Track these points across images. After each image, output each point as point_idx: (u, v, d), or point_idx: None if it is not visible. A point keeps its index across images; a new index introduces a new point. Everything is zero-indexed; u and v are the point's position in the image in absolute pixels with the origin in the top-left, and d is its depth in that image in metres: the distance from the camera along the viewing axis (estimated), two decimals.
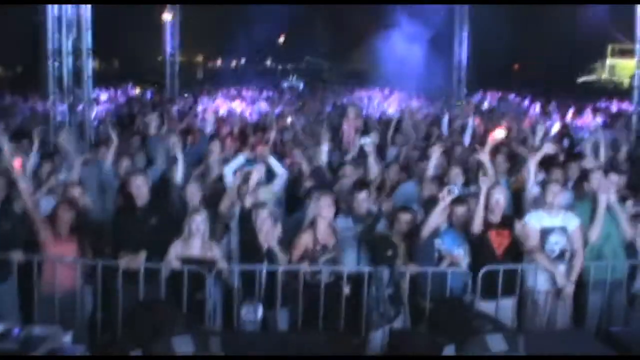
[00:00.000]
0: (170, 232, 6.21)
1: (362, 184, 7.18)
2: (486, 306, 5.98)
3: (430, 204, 6.55)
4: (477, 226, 6.26)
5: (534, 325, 6.26)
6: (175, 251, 6.08)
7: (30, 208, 6.17)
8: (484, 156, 7.39)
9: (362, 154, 8.51)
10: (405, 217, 6.51)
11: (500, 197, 6.35)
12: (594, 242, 6.38)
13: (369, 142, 8.44)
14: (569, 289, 6.25)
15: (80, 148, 8.65)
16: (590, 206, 6.51)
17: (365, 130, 10.41)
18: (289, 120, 11.93)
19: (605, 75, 31.76)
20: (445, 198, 6.22)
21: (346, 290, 6.09)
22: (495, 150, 8.17)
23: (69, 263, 6.10)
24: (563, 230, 6.31)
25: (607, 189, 6.49)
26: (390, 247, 6.09)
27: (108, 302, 6.08)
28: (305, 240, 6.23)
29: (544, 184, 6.70)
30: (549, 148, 7.73)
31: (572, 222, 6.35)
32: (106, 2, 13.40)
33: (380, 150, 9.36)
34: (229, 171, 7.14)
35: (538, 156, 7.34)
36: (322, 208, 6.25)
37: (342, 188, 7.42)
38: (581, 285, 6.37)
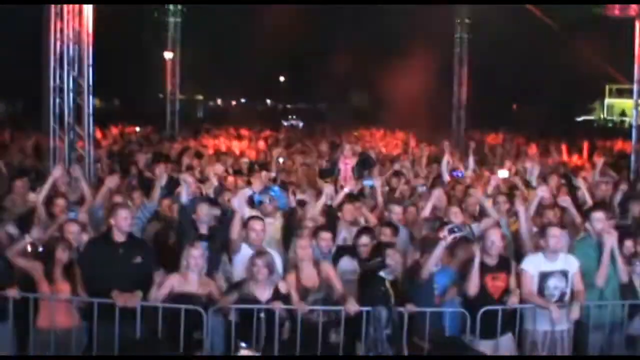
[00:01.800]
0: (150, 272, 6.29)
1: (366, 227, 7.21)
2: (485, 345, 5.99)
3: (428, 243, 6.53)
4: (472, 288, 6.12)
5: None
6: (171, 286, 6.04)
7: (14, 257, 6.08)
8: (482, 197, 7.49)
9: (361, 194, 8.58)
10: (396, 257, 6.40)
11: (496, 239, 6.24)
12: (600, 286, 6.37)
13: (371, 184, 8.50)
14: (568, 330, 6.24)
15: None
16: (592, 246, 6.53)
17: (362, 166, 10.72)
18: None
19: (603, 115, 32.12)
20: (447, 238, 6.19)
21: (333, 337, 6.06)
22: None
23: (65, 301, 6.12)
24: (563, 274, 6.28)
25: (611, 231, 6.48)
26: (383, 285, 6.13)
27: (104, 341, 6.03)
28: (288, 283, 6.21)
29: (542, 228, 6.65)
30: (542, 192, 7.70)
31: (573, 265, 6.32)
32: (109, 2, 13.56)
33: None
34: (236, 202, 7.06)
35: (534, 204, 7.38)
36: (300, 249, 6.27)
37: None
38: (580, 325, 6.36)
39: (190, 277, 6.10)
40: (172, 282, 6.08)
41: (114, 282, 6.06)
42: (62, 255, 6.14)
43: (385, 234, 7.09)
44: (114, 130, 18.76)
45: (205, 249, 6.45)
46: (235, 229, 6.70)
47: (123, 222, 6.37)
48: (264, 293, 6.05)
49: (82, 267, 6.25)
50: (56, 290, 6.09)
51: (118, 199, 7.69)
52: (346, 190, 8.49)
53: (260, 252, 6.21)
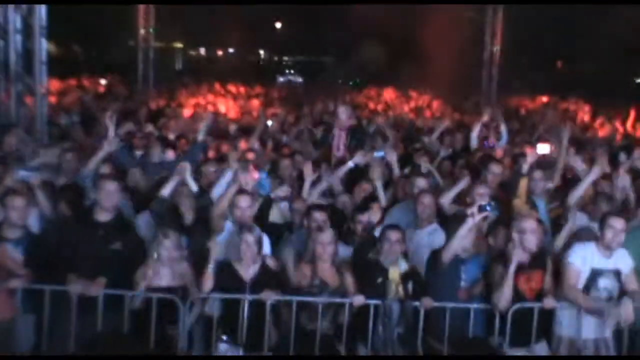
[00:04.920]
0: (138, 259, 6.25)
1: (365, 205, 7.24)
2: (517, 353, 6.04)
3: (453, 222, 6.59)
4: (503, 302, 6.10)
5: None
6: (143, 279, 6.13)
7: None
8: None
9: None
10: (395, 236, 6.44)
11: (530, 229, 6.22)
12: None
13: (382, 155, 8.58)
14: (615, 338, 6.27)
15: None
16: None
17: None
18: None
19: None
20: (475, 215, 6.21)
21: (341, 349, 6.11)
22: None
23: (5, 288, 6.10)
24: (616, 273, 6.28)
25: None
26: (379, 273, 6.15)
27: (56, 335, 6.05)
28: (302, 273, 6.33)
29: (603, 216, 6.53)
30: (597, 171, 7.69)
31: (627, 264, 6.31)
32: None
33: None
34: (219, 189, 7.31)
35: (589, 180, 7.41)
36: (320, 245, 6.31)
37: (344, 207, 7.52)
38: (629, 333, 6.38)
39: (161, 270, 6.19)
40: (144, 277, 6.15)
41: (81, 270, 6.09)
42: None
43: None
44: (73, 83, 18.61)
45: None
46: (222, 205, 6.78)
47: (108, 198, 6.38)
48: (248, 270, 6.22)
49: (45, 249, 6.25)
50: None
51: (106, 169, 7.65)
52: (350, 164, 8.49)
53: (249, 227, 6.35)
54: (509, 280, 6.02)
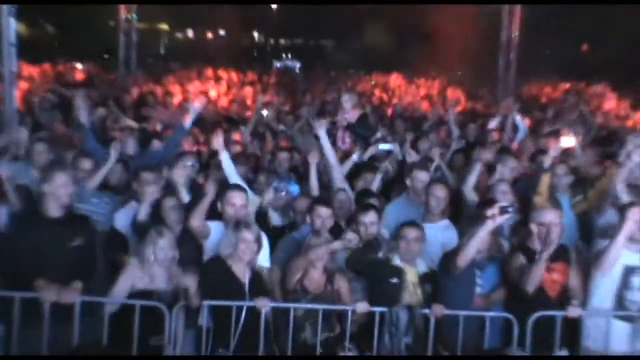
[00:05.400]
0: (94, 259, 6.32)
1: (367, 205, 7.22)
2: None
3: (470, 222, 6.56)
4: (532, 284, 6.14)
5: None
6: (131, 282, 6.10)
7: None
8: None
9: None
10: (413, 234, 6.48)
11: (553, 221, 6.27)
12: None
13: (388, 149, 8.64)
14: None
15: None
16: None
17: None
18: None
19: None
20: (497, 218, 6.16)
21: (349, 351, 6.05)
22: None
23: None
24: None
25: None
26: (393, 274, 6.21)
27: (27, 347, 5.98)
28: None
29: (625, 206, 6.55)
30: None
31: None
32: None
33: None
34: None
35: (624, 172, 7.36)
36: (312, 250, 6.34)
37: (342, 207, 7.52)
38: None
39: (155, 272, 6.16)
40: (132, 280, 6.12)
41: (44, 273, 6.01)
42: None
43: None
44: (47, 68, 18.55)
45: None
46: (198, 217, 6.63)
47: (60, 191, 6.32)
48: (245, 273, 6.25)
49: (13, 250, 6.21)
50: None
51: (87, 164, 7.69)
52: (354, 157, 8.49)
53: (247, 223, 6.35)
54: (540, 264, 6.00)
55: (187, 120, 8.75)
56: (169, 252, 6.13)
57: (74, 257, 6.24)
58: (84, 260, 6.29)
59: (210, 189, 6.57)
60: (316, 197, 7.66)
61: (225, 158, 7.71)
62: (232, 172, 7.71)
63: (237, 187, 7.00)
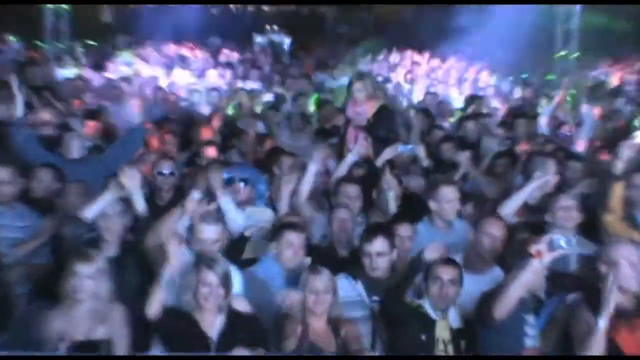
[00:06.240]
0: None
1: (379, 224, 6.86)
2: None
3: (509, 261, 6.15)
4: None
5: None
6: (54, 327, 5.51)
7: None
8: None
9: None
10: (450, 272, 5.85)
11: (629, 265, 5.38)
12: None
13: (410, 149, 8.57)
14: None
15: None
16: None
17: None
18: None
19: None
20: (544, 255, 5.38)
21: None
22: None
23: None
24: None
25: None
26: (424, 327, 5.72)
27: None
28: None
29: None
30: None
31: None
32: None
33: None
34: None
35: None
36: (312, 296, 5.74)
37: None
38: None
39: (77, 312, 5.57)
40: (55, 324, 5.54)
41: None
42: None
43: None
44: None
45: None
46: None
47: None
48: (214, 322, 5.65)
49: None
50: None
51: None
52: (352, 157, 8.03)
53: (211, 260, 5.77)
54: (599, 334, 5.20)
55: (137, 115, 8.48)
56: (94, 284, 5.58)
57: None
58: None
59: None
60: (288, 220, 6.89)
61: (225, 203, 7.12)
62: (235, 218, 7.07)
63: (208, 216, 6.39)
